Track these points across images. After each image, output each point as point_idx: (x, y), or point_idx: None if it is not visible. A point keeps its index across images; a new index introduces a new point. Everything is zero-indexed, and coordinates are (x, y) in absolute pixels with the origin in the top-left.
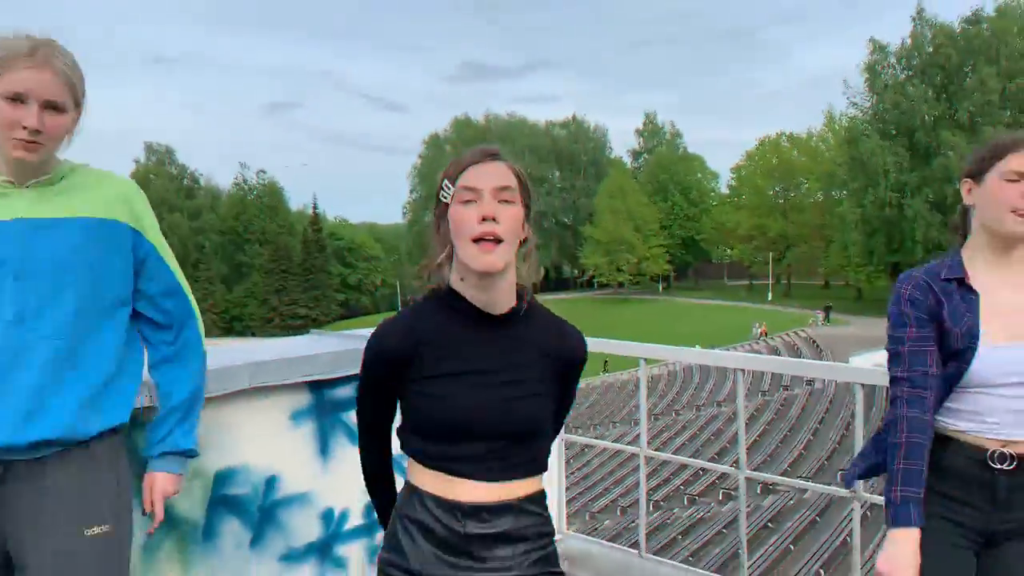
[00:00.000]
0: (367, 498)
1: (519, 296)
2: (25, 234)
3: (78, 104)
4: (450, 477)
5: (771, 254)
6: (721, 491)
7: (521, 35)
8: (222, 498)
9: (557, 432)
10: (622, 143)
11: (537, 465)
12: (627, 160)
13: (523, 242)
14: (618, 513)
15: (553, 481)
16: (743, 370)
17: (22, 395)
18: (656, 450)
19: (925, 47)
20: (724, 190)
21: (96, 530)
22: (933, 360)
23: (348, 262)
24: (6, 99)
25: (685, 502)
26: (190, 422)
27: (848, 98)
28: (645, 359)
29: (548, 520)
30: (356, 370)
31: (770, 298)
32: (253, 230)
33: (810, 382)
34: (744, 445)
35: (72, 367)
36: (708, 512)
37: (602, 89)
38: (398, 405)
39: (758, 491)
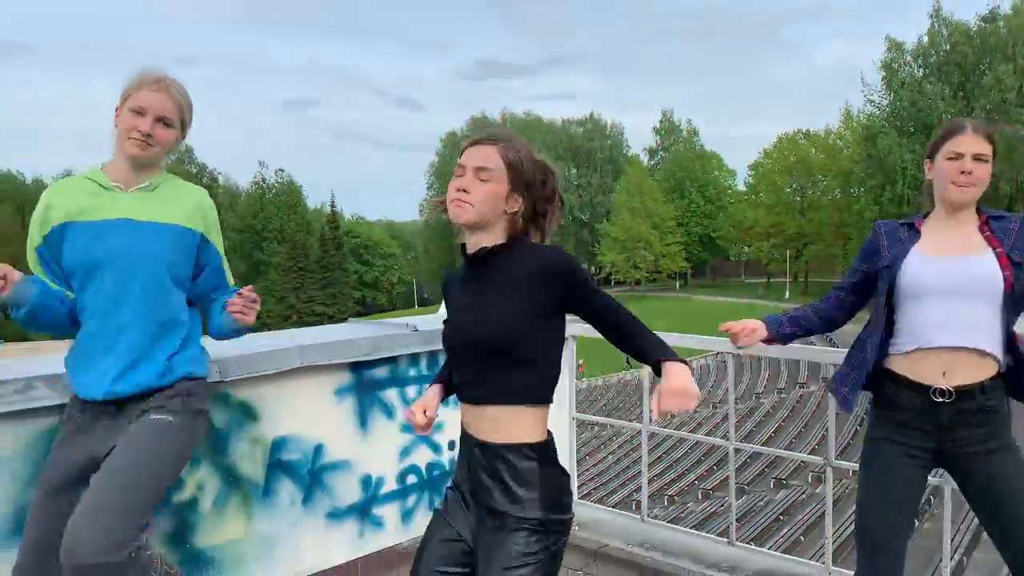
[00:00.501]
0: (400, 466)
1: (512, 237)
2: (127, 231)
3: (184, 127)
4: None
5: (788, 252)
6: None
7: (537, 32)
8: (278, 462)
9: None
10: (639, 140)
11: (515, 392)
12: (644, 158)
13: (516, 213)
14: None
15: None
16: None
17: (123, 359)
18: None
19: (942, 45)
20: (741, 187)
21: (156, 416)
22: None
23: (365, 259)
24: (131, 111)
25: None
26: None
27: (865, 95)
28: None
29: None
30: (390, 353)
31: (787, 296)
32: (271, 228)
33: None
34: (739, 429)
35: (155, 339)
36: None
37: (619, 86)
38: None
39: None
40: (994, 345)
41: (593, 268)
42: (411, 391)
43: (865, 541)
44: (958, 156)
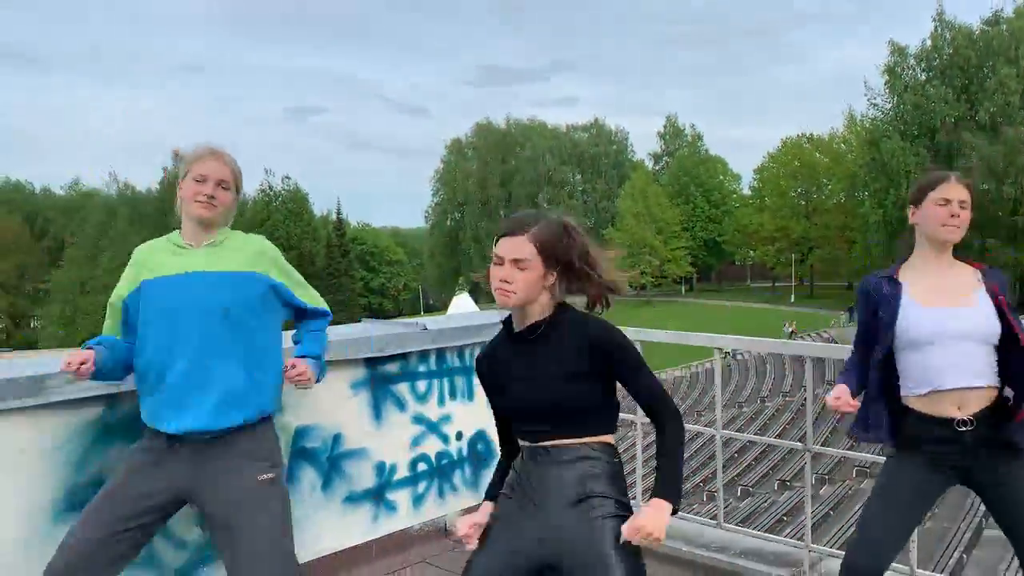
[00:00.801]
0: (411, 455)
1: (560, 306)
2: (200, 283)
3: (238, 189)
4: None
5: (794, 256)
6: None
7: (541, 38)
8: (300, 450)
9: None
10: (644, 145)
11: (575, 428)
12: (649, 163)
13: (557, 281)
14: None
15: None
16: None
17: (214, 399)
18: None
19: (945, 48)
20: (747, 192)
21: (264, 476)
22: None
23: (371, 266)
24: (194, 180)
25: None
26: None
27: (869, 99)
28: (720, 348)
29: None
30: (402, 350)
31: (793, 299)
32: (278, 235)
33: None
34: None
35: (243, 378)
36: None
37: (623, 91)
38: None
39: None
40: (995, 379)
41: None
42: (421, 385)
43: (878, 529)
44: (947, 202)
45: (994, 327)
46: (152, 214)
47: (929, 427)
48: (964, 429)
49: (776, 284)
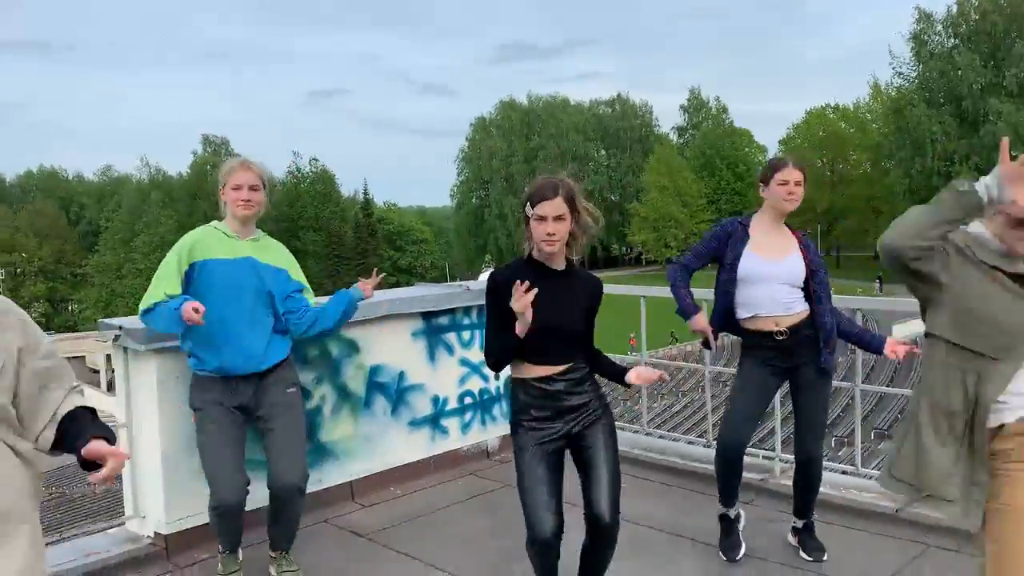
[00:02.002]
0: (459, 390)
1: (569, 261)
2: (251, 268)
3: (266, 186)
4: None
5: (819, 227)
6: None
7: (562, 13)
8: (374, 383)
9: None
10: (667, 118)
11: (575, 355)
12: (673, 137)
13: (572, 233)
14: None
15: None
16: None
17: (259, 347)
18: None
19: (971, 14)
20: None
21: (291, 389)
22: (698, 259)
23: (398, 246)
24: (232, 188)
25: None
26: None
27: (894, 68)
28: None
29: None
30: (450, 306)
31: None
32: (307, 217)
33: None
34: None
35: (269, 334)
36: None
37: (646, 65)
38: None
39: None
40: (800, 307)
41: (624, 248)
42: (465, 335)
43: (737, 412)
44: (786, 182)
45: (800, 276)
46: (183, 197)
47: (758, 339)
48: (781, 338)
49: None
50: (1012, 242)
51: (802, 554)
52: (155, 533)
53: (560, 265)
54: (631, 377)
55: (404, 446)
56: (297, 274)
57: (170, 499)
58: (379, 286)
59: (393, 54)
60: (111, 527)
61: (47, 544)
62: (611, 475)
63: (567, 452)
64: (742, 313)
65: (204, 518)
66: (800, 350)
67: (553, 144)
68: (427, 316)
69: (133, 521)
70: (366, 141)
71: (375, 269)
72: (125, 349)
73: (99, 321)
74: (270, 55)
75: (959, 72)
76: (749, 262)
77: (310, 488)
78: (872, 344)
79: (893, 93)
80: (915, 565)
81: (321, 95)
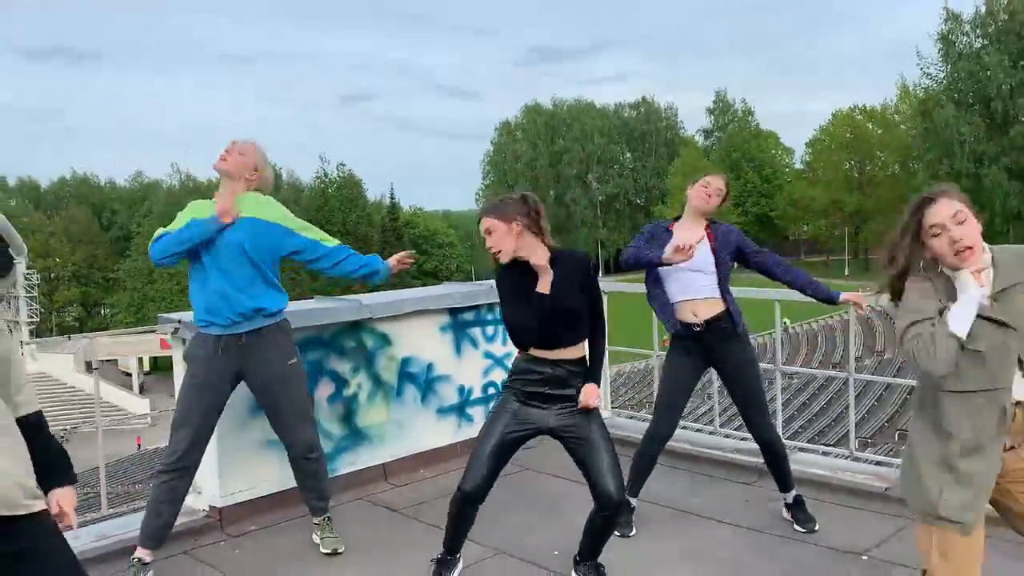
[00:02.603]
0: (483, 381)
1: (550, 249)
2: (244, 226)
3: (256, 157)
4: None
5: (847, 229)
6: None
7: (589, 15)
8: (406, 373)
9: (598, 316)
10: (694, 122)
11: (575, 339)
12: (699, 139)
13: (521, 232)
14: None
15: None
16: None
17: (247, 304)
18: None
19: (1000, 14)
20: (799, 166)
21: (292, 361)
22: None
23: (424, 250)
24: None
25: None
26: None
27: (922, 68)
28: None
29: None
30: (475, 303)
31: (846, 273)
32: (335, 221)
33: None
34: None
35: (263, 290)
36: None
37: (671, 66)
38: None
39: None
40: (717, 294)
41: None
42: (489, 329)
43: (663, 400)
44: (707, 185)
45: (708, 264)
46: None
47: (682, 329)
48: (698, 329)
49: (829, 258)
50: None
51: (796, 527)
52: (210, 507)
53: (541, 260)
54: (582, 395)
55: (432, 432)
56: (286, 221)
57: (223, 475)
58: (402, 269)
59: (421, 58)
60: None
61: (128, 512)
62: (611, 456)
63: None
64: (669, 300)
65: (255, 492)
66: (723, 342)
67: (578, 147)
68: (453, 312)
69: (189, 496)
70: (393, 145)
71: (410, 252)
72: (183, 340)
73: (159, 316)
74: (296, 60)
75: (988, 72)
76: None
77: (347, 469)
78: (823, 293)
79: (921, 94)
80: (899, 535)
81: (350, 100)
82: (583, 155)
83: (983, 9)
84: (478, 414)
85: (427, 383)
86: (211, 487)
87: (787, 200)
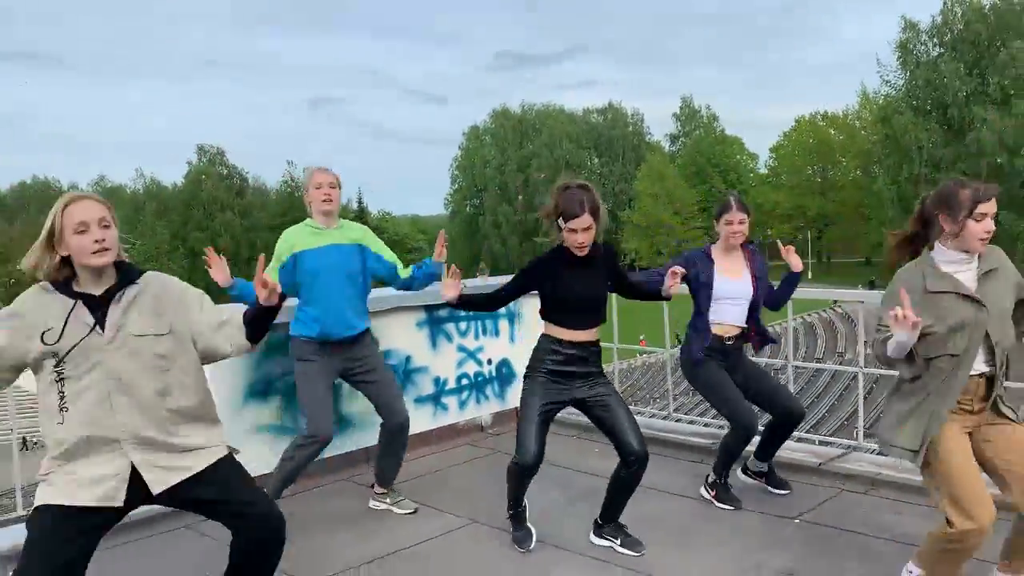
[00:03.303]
0: (457, 372)
1: (594, 247)
2: (336, 251)
3: (340, 188)
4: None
5: (810, 233)
6: None
7: (558, 21)
8: (386, 365)
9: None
10: (660, 127)
11: (598, 322)
12: (665, 144)
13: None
14: None
15: None
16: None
17: (351, 316)
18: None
19: (956, 23)
20: (763, 171)
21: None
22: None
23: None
24: (315, 188)
25: None
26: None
27: (881, 76)
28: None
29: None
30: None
31: (810, 276)
32: None
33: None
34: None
35: (358, 306)
36: None
37: (640, 73)
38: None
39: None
40: (742, 321)
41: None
42: (463, 325)
43: (729, 403)
44: (730, 223)
45: (749, 293)
46: (178, 207)
47: (715, 344)
48: (729, 344)
49: None
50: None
51: (771, 490)
52: None
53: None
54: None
55: (412, 419)
56: (377, 247)
57: None
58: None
59: (389, 63)
60: None
61: None
62: (630, 417)
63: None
64: (713, 321)
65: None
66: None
67: (547, 152)
68: (429, 309)
69: None
70: (361, 150)
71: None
72: None
73: None
74: (262, 63)
75: (944, 80)
76: (719, 282)
77: (334, 451)
78: (789, 280)
79: (881, 101)
80: (832, 501)
81: (317, 103)
82: (551, 160)
83: (939, 19)
84: (452, 403)
85: (405, 374)
86: None
87: (751, 205)
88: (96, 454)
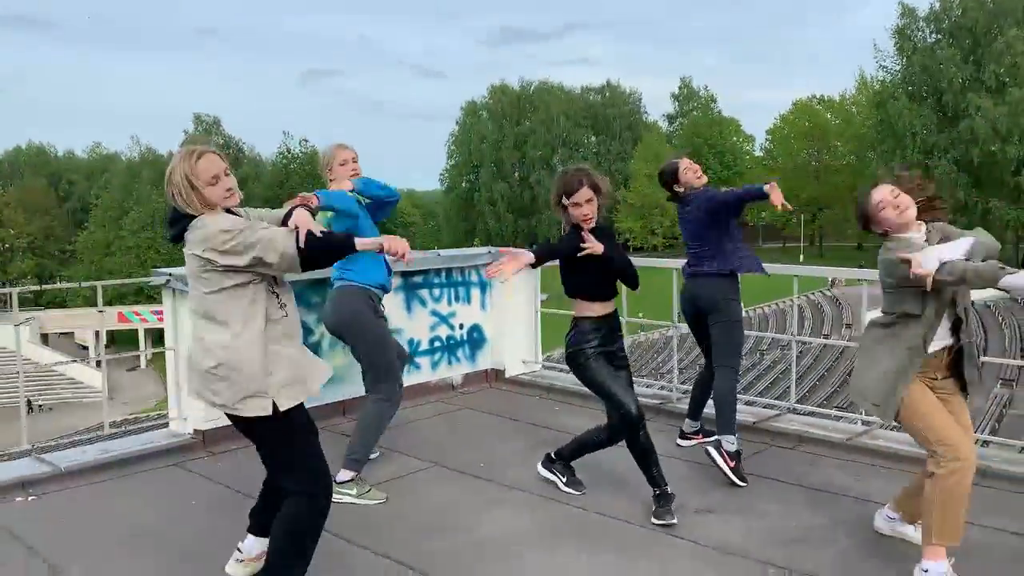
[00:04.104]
0: (430, 335)
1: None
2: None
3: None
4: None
5: (804, 216)
6: None
7: None
8: None
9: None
10: (658, 107)
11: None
12: (663, 124)
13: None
14: None
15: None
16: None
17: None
18: None
19: (954, 10)
20: (758, 153)
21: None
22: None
23: (388, 229)
24: (340, 164)
25: None
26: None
27: (878, 62)
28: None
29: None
30: (424, 268)
31: (802, 259)
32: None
33: None
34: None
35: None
36: None
37: (639, 51)
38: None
39: None
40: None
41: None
42: (436, 291)
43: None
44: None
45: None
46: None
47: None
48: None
49: (786, 244)
50: None
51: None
52: (195, 430)
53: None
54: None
55: None
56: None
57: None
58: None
59: (387, 36)
60: (163, 426)
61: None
62: (629, 378)
63: None
64: None
65: None
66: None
67: (543, 129)
68: (405, 275)
69: (177, 421)
70: (358, 123)
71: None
72: (173, 291)
73: (153, 269)
74: (260, 33)
75: (940, 67)
76: None
77: (311, 405)
78: (752, 192)
79: (877, 86)
80: (762, 454)
81: (314, 75)
82: (548, 137)
83: (937, 5)
84: (425, 363)
85: None
86: (195, 413)
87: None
88: None
